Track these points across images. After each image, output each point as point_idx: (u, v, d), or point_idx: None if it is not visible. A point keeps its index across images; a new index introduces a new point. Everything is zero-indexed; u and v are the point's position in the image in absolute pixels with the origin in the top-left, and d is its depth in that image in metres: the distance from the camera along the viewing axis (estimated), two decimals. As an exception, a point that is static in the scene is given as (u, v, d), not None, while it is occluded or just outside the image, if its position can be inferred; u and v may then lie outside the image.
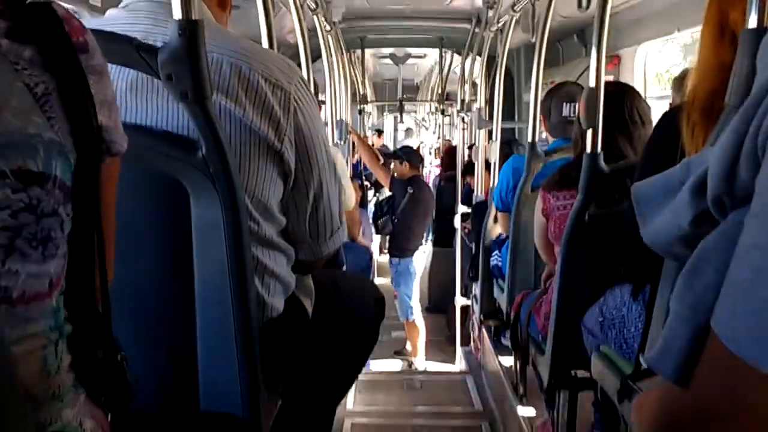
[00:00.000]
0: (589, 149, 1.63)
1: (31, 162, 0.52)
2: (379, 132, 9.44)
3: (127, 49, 0.88)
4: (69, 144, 0.57)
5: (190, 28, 0.87)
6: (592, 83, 1.61)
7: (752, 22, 0.86)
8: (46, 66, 0.57)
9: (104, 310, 0.67)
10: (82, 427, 0.59)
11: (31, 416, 0.54)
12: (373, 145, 7.22)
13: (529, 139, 2.46)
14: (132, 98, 0.99)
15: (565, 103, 2.40)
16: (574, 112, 2.33)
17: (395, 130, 10.76)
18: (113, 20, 1.03)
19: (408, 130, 11.43)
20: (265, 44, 1.55)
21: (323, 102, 3.02)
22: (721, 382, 0.45)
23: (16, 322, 0.53)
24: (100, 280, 0.64)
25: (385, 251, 5.77)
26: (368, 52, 5.87)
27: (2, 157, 0.50)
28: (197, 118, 0.90)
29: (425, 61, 7.46)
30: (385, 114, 11.38)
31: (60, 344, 0.59)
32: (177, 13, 0.87)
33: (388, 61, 7.29)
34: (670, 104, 2.34)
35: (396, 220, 4.68)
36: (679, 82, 2.22)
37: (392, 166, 4.82)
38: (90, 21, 1.05)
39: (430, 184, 6.39)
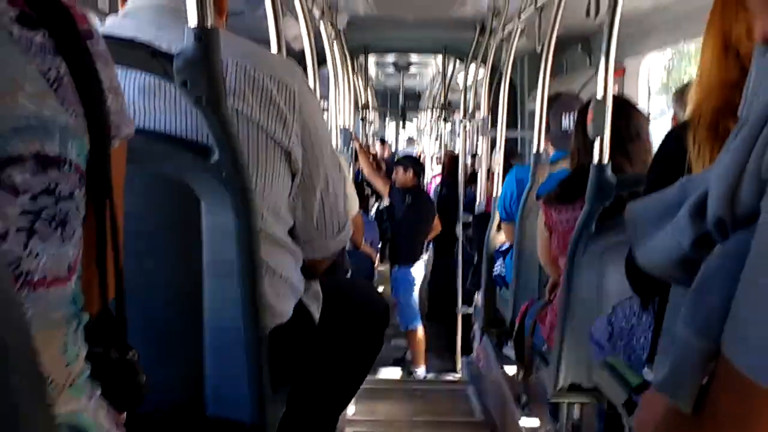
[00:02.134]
0: (596, 160, 1.63)
1: (48, 145, 0.53)
2: (383, 141, 9.43)
3: (143, 55, 0.89)
4: (82, 127, 0.58)
5: (205, 36, 0.88)
6: (600, 93, 1.61)
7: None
8: (56, 51, 0.57)
9: (118, 306, 0.67)
10: (97, 417, 0.59)
11: (51, 405, 0.53)
12: (376, 154, 7.23)
13: (534, 149, 2.47)
14: (142, 103, 0.99)
15: (564, 114, 2.40)
16: (572, 123, 2.34)
17: (396, 138, 10.78)
18: (117, 28, 1.03)
19: (410, 139, 11.45)
20: (273, 49, 1.56)
21: (326, 110, 3.02)
22: (735, 407, 0.44)
23: (38, 305, 0.53)
24: (114, 266, 0.64)
25: (385, 260, 5.76)
26: (371, 60, 5.89)
27: (21, 141, 0.51)
28: (212, 123, 0.91)
29: (427, 69, 7.48)
30: (387, 122, 11.40)
31: (79, 333, 0.59)
32: (192, 21, 0.88)
33: (391, 69, 7.32)
34: (672, 118, 2.34)
35: (395, 229, 4.67)
36: (680, 95, 2.22)
37: (394, 175, 4.82)
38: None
39: (432, 193, 6.39)
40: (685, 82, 2.44)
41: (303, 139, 1.09)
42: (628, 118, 1.80)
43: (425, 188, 5.87)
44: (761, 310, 0.42)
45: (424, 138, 11.02)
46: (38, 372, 0.43)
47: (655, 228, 0.56)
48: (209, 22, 0.88)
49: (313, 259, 1.22)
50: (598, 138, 1.61)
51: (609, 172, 1.63)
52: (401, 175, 4.71)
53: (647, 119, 1.89)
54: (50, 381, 0.54)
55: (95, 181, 0.60)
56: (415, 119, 11.90)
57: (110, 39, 0.65)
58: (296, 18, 2.16)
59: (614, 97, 2.37)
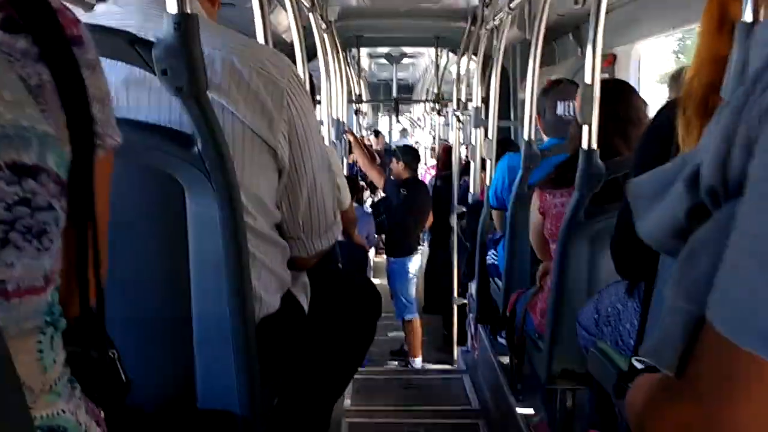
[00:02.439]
0: (585, 146, 1.63)
1: (24, 155, 0.51)
2: (377, 132, 9.41)
3: (121, 44, 0.88)
4: (64, 137, 0.57)
5: (185, 23, 0.86)
6: (588, 80, 1.61)
7: (747, 16, 0.86)
8: (40, 57, 0.56)
9: (98, 308, 0.67)
10: (78, 420, 0.59)
11: (29, 408, 0.53)
12: (371, 146, 7.21)
13: (525, 137, 2.47)
14: (126, 93, 0.98)
15: (559, 102, 2.40)
16: (569, 111, 2.34)
17: (390, 130, 10.76)
18: (104, 15, 1.03)
19: (403, 131, 11.42)
20: (260, 40, 1.55)
21: (319, 102, 3.02)
22: (716, 370, 0.45)
23: (11, 315, 0.53)
24: (94, 276, 0.64)
25: (381, 251, 5.76)
26: (363, 52, 5.87)
27: None
28: (193, 113, 0.90)
29: (420, 60, 7.47)
30: (380, 114, 11.38)
31: (55, 339, 0.58)
32: (172, 8, 0.87)
33: (383, 60, 7.30)
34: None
35: (390, 221, 4.68)
36: (675, 78, 2.23)
37: (391, 165, 4.82)
38: (82, 16, 1.05)
39: (426, 184, 6.38)
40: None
41: (290, 139, 1.07)
42: (627, 101, 1.79)
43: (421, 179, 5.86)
44: (742, 274, 0.43)
45: (417, 130, 11.01)
46: (13, 378, 0.43)
47: (656, 201, 0.57)
48: (189, 9, 0.87)
49: (300, 256, 1.22)
50: (587, 124, 1.61)
51: (597, 157, 1.63)
52: (395, 166, 4.72)
53: (646, 103, 1.89)
54: (26, 387, 0.54)
55: (77, 192, 0.58)
56: (408, 112, 11.88)
57: (91, 27, 0.64)
58: (286, 9, 2.15)
59: (613, 80, 2.38)
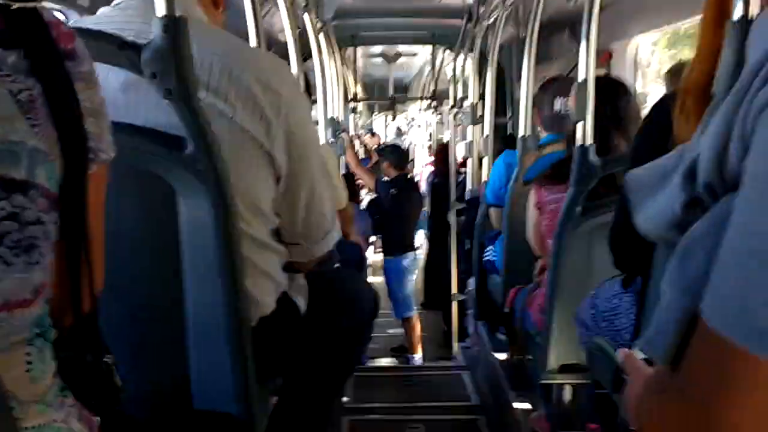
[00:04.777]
0: (579, 142, 1.63)
1: (13, 170, 0.52)
2: (372, 132, 9.40)
3: (111, 48, 0.88)
4: (55, 151, 0.57)
5: (173, 25, 0.86)
6: (582, 76, 1.61)
7: (738, 11, 0.86)
8: (30, 72, 0.56)
9: (91, 315, 0.67)
10: (72, 429, 0.59)
11: (17, 420, 0.53)
12: (367, 144, 7.21)
13: (521, 134, 2.46)
14: (123, 97, 0.98)
15: (556, 98, 2.40)
16: (566, 107, 2.34)
17: (386, 129, 10.73)
18: (105, 19, 1.03)
19: (399, 129, 11.39)
20: (253, 42, 1.55)
21: (314, 101, 3.01)
22: (711, 364, 0.45)
23: None
24: (89, 287, 0.64)
25: (378, 249, 5.77)
26: (359, 50, 5.87)
27: None
28: (183, 116, 0.90)
29: (416, 59, 7.45)
30: (374, 113, 11.36)
31: (45, 350, 0.58)
32: (160, 10, 0.87)
33: (379, 59, 7.28)
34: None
35: (383, 220, 4.68)
36: (673, 74, 2.23)
37: (381, 165, 4.84)
38: (84, 20, 1.05)
39: (424, 182, 6.38)
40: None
41: (288, 146, 1.07)
42: (628, 98, 1.80)
43: (413, 177, 5.87)
44: (739, 271, 0.43)
45: (413, 129, 10.99)
46: (1, 391, 0.43)
47: (654, 193, 0.57)
48: (178, 11, 0.87)
49: (299, 261, 1.23)
50: (582, 120, 1.61)
51: (593, 153, 1.63)
52: (383, 166, 4.75)
53: (637, 100, 1.89)
54: (15, 399, 0.54)
55: (70, 205, 0.58)
56: (404, 111, 11.86)
57: (81, 32, 0.64)
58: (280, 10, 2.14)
59: (610, 77, 2.37)
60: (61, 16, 0.64)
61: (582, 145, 1.63)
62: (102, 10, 1.06)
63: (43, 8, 0.59)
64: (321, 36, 3.09)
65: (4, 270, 0.52)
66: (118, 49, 0.87)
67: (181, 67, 0.87)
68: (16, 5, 0.56)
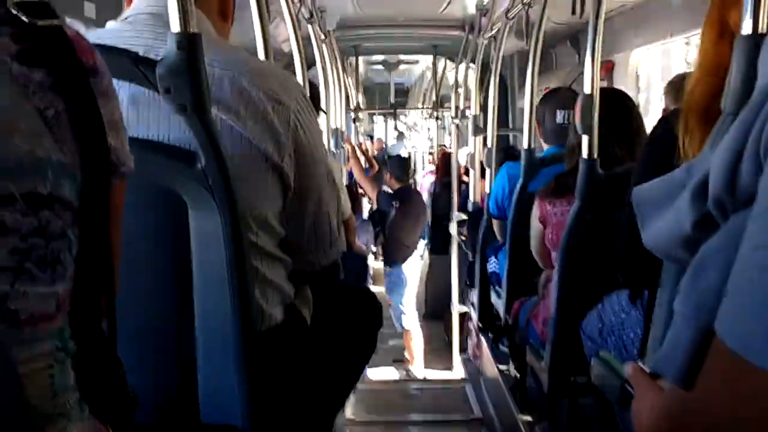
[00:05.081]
0: (585, 155, 1.63)
1: (40, 185, 0.53)
2: (371, 137, 9.43)
3: (125, 63, 0.88)
4: (76, 164, 0.57)
5: (188, 41, 0.87)
6: (587, 89, 1.61)
7: (747, 27, 0.86)
8: (55, 89, 0.57)
9: (110, 328, 0.67)
10: None
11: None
12: (367, 151, 7.23)
13: (525, 146, 2.47)
14: (134, 111, 0.98)
15: (558, 110, 2.40)
16: (568, 119, 2.34)
17: (386, 134, 10.75)
18: (115, 33, 1.03)
19: (400, 135, 11.40)
20: (260, 53, 1.56)
21: (323, 110, 3.02)
22: (726, 384, 0.45)
23: (23, 342, 0.53)
24: (106, 299, 0.64)
25: (380, 259, 5.77)
26: (360, 58, 5.89)
27: (12, 181, 0.51)
28: (196, 131, 0.91)
29: (416, 67, 7.48)
30: (374, 119, 11.38)
31: (66, 363, 0.59)
32: (175, 26, 0.87)
33: (380, 66, 7.31)
34: (663, 110, 2.34)
35: (385, 232, 4.69)
36: (672, 87, 2.23)
37: (384, 177, 4.86)
38: (92, 34, 1.05)
39: (425, 191, 6.37)
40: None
41: (297, 160, 1.08)
42: (626, 110, 1.80)
43: (415, 186, 5.88)
44: (751, 291, 0.43)
45: (414, 134, 11.00)
46: (23, 405, 0.43)
47: (661, 209, 0.57)
48: (193, 28, 0.87)
49: (305, 271, 1.23)
50: (587, 134, 1.61)
51: (598, 167, 1.63)
52: (386, 178, 4.77)
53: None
54: (37, 412, 0.54)
55: (90, 218, 0.59)
56: (404, 116, 11.88)
57: (96, 47, 0.65)
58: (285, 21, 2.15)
59: (613, 89, 2.38)
60: (81, 29, 0.65)
61: (588, 159, 1.63)
62: (110, 24, 1.06)
63: (67, 26, 0.59)
64: (324, 47, 3.11)
65: (30, 285, 0.52)
66: (133, 65, 0.88)
67: (195, 83, 0.87)
68: (41, 23, 0.56)
